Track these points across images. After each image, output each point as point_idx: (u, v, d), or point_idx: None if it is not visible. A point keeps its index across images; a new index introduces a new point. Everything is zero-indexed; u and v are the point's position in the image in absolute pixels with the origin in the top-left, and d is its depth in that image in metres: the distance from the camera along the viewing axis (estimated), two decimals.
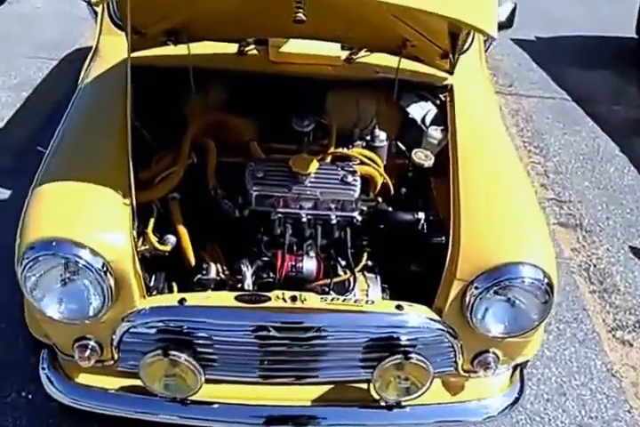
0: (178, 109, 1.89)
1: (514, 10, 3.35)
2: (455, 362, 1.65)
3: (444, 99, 1.97)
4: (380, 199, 1.87)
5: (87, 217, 1.48)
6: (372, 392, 1.66)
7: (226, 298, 1.48)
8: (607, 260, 3.00)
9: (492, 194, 1.71)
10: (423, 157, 1.85)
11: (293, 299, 1.47)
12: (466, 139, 1.82)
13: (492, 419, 1.81)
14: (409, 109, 1.95)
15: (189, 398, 1.54)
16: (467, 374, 1.71)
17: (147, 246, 1.60)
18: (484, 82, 2.20)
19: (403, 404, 1.64)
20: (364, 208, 1.80)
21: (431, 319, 1.55)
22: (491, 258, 1.53)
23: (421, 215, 1.76)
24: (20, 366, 2.09)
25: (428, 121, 1.96)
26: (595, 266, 2.96)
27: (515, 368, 1.83)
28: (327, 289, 1.61)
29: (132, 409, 1.58)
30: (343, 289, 1.64)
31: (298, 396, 1.63)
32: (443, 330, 1.56)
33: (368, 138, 1.91)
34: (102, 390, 1.59)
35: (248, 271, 1.60)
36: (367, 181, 1.86)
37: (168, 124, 1.82)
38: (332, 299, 1.51)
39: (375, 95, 1.96)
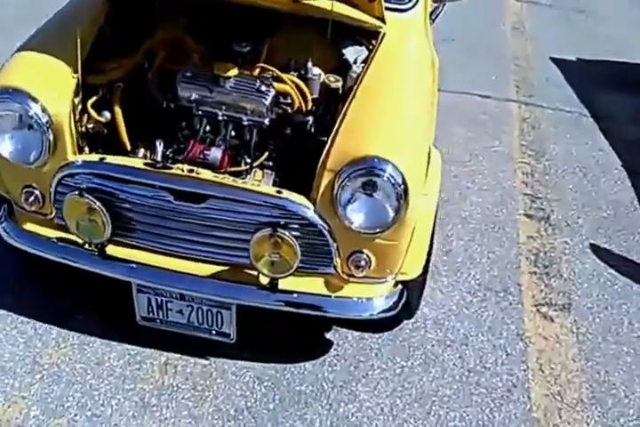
0: (144, 26, 2.30)
1: None
2: (332, 260, 1.99)
3: (375, 44, 2.30)
4: (289, 111, 2.19)
5: (43, 81, 1.99)
6: (261, 279, 2.04)
7: (137, 162, 1.96)
8: (561, 250, 3.18)
9: (383, 110, 2.04)
10: (332, 80, 2.20)
11: (190, 171, 1.90)
12: (379, 71, 2.15)
13: (371, 317, 2.12)
14: (344, 51, 2.29)
15: (107, 253, 2.04)
16: (347, 277, 2.05)
17: (86, 120, 2.06)
18: (421, 43, 2.49)
19: (288, 290, 2.01)
20: (274, 117, 2.14)
21: (306, 207, 1.89)
22: (359, 150, 1.86)
23: (310, 118, 2.12)
24: None
25: (358, 62, 2.29)
26: (545, 253, 3.15)
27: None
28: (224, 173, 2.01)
29: (61, 255, 2.08)
30: (239, 177, 2.01)
31: (197, 270, 2.05)
32: (318, 223, 1.89)
33: (302, 71, 2.23)
34: (43, 237, 2.10)
35: (159, 147, 2.03)
36: (285, 99, 2.17)
37: (134, 37, 2.26)
38: (224, 177, 1.92)
39: (315, 34, 2.28)
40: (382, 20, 2.26)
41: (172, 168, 1.90)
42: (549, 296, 2.90)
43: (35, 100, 1.93)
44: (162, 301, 2.11)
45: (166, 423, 2.16)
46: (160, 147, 2.04)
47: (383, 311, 2.12)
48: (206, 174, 1.91)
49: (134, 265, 2.04)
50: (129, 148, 2.12)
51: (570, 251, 3.18)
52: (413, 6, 2.47)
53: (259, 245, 1.90)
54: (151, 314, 2.17)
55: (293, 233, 1.90)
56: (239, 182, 1.92)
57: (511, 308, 2.80)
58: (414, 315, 2.57)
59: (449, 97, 4.36)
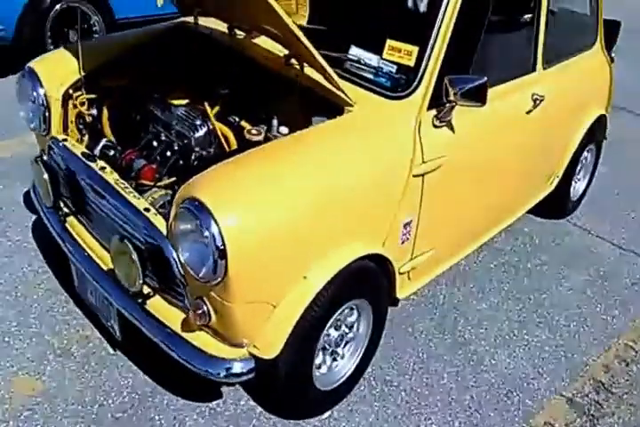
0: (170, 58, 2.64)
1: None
2: (184, 297, 1.97)
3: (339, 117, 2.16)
4: (211, 150, 2.31)
5: (55, 71, 2.41)
6: (144, 289, 2.07)
7: (80, 148, 2.28)
8: None
9: (258, 174, 1.87)
10: (254, 132, 2.24)
11: (102, 168, 2.16)
12: (299, 140, 2.05)
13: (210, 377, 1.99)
14: (313, 119, 2.23)
15: (65, 223, 2.38)
16: (198, 322, 1.94)
17: (77, 110, 2.44)
18: (396, 138, 2.19)
19: (151, 313, 2.04)
20: (199, 150, 2.29)
21: (160, 231, 1.92)
22: (196, 191, 1.78)
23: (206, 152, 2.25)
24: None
25: None
26: None
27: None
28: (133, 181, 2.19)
29: (43, 212, 2.48)
30: (141, 189, 2.17)
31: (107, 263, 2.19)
32: (166, 249, 1.89)
33: (266, 125, 2.30)
34: None
35: (101, 144, 2.33)
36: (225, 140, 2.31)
37: (160, 63, 2.61)
38: (122, 184, 2.10)
39: (294, 97, 2.31)
40: (346, 96, 2.12)
41: (94, 162, 2.18)
42: None
43: (40, 83, 2.37)
44: (83, 276, 2.32)
45: (38, 377, 2.36)
46: (102, 143, 2.35)
47: (227, 376, 1.96)
48: (109, 176, 2.12)
49: (70, 238, 2.34)
50: (108, 132, 2.47)
51: None
52: (405, 97, 2.19)
53: (114, 250, 2.01)
54: (79, 285, 2.42)
55: (151, 253, 1.93)
56: (123, 190, 2.07)
57: None
58: (315, 416, 2.34)
59: (606, 248, 3.67)
